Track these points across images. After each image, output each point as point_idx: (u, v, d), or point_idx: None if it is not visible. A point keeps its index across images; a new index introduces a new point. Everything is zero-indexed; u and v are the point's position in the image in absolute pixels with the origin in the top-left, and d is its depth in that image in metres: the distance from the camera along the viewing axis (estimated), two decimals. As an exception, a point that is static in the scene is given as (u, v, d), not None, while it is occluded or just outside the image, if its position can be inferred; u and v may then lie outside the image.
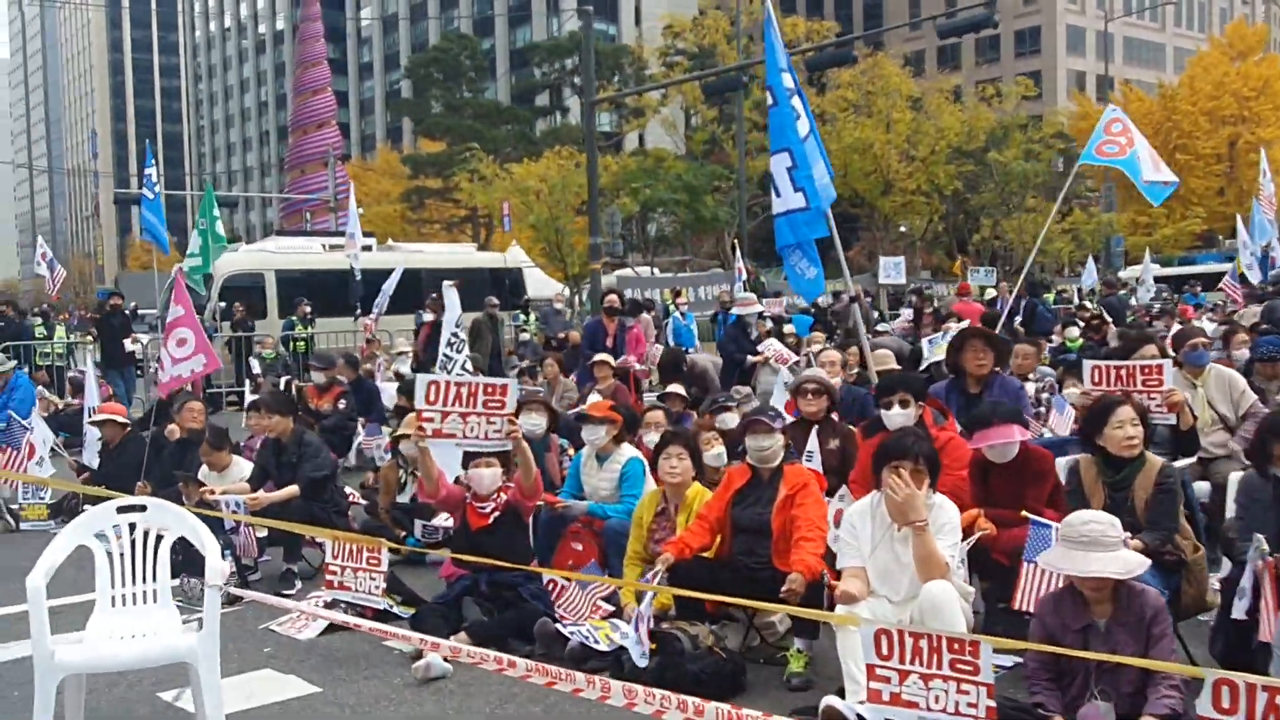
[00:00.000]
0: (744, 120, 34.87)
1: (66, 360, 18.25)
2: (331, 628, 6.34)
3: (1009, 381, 7.27)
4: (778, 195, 7.43)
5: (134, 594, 4.96)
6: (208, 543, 4.91)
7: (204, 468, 8.31)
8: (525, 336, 21.57)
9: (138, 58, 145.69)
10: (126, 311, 18.28)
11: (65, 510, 9.60)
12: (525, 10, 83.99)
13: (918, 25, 39.66)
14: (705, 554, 5.71)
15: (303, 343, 19.90)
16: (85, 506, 9.47)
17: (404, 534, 7.97)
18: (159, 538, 5.02)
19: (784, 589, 5.08)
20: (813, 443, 6.72)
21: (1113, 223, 47.74)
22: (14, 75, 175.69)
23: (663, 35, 44.90)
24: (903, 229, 50.85)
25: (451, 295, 6.55)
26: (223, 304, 21.43)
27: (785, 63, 7.28)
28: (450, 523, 7.89)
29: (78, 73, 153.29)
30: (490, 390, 5.93)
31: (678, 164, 38.83)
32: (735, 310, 12.28)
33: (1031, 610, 4.84)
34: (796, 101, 7.16)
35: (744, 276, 26.28)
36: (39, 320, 18.60)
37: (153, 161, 18.31)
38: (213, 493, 7.40)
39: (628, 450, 7.01)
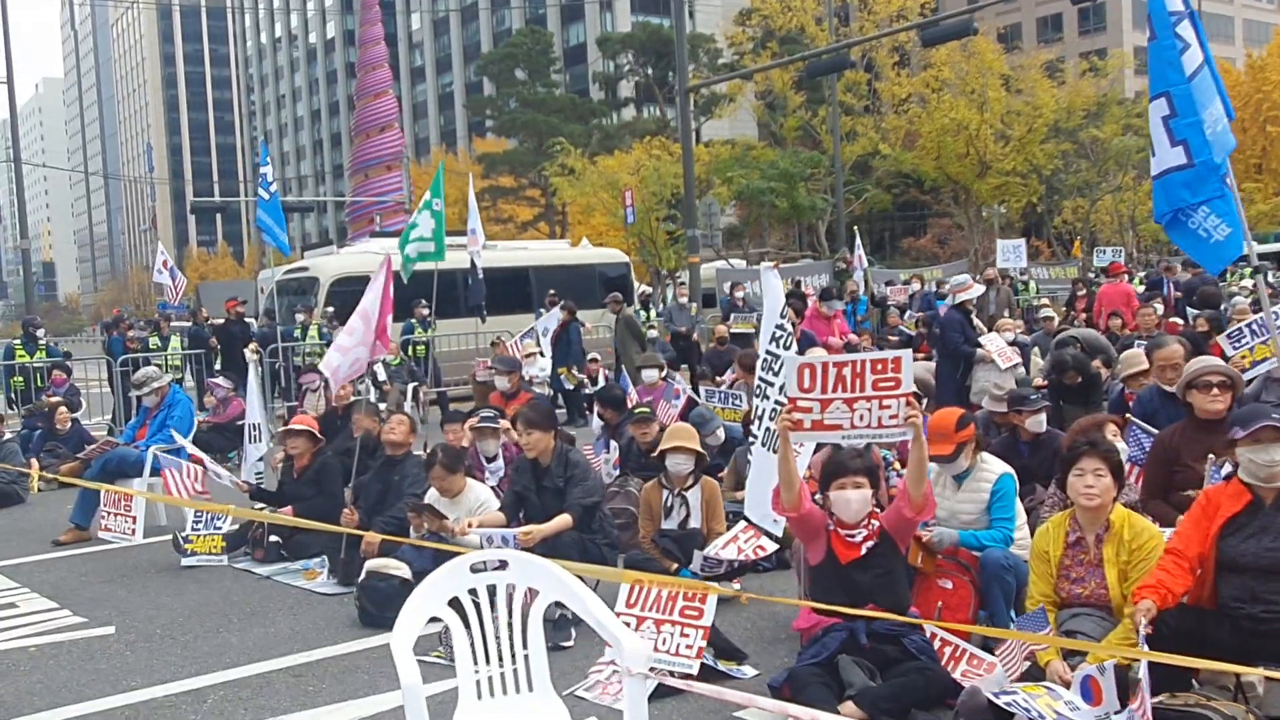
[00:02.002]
0: (838, 104, 33.46)
1: (183, 373, 17.26)
2: (658, 691, 5.11)
3: None
4: (1154, 155, 6.00)
5: (503, 678, 3.76)
6: (599, 613, 3.69)
7: (431, 493, 7.15)
8: (653, 334, 20.32)
9: (190, 71, 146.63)
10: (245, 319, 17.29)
11: (252, 542, 8.46)
12: (578, 7, 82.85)
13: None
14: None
15: (422, 347, 18.79)
16: (274, 538, 8.39)
17: (675, 566, 6.74)
18: (526, 602, 3.82)
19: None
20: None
21: (1213, 201, 45.72)
22: (69, 93, 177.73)
23: (737, 21, 43.47)
24: (983, 214, 49.20)
25: (771, 279, 5.26)
26: (330, 308, 20.41)
27: (1176, -24, 5.89)
28: (732, 553, 6.66)
29: (131, 88, 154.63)
30: (881, 367, 4.69)
31: (767, 152, 37.40)
32: (958, 295, 10.93)
33: None
34: (1185, 28, 5.77)
35: (865, 266, 25.00)
36: (150, 330, 17.61)
37: (268, 160, 17.32)
38: (468, 526, 6.20)
39: (995, 465, 5.72)
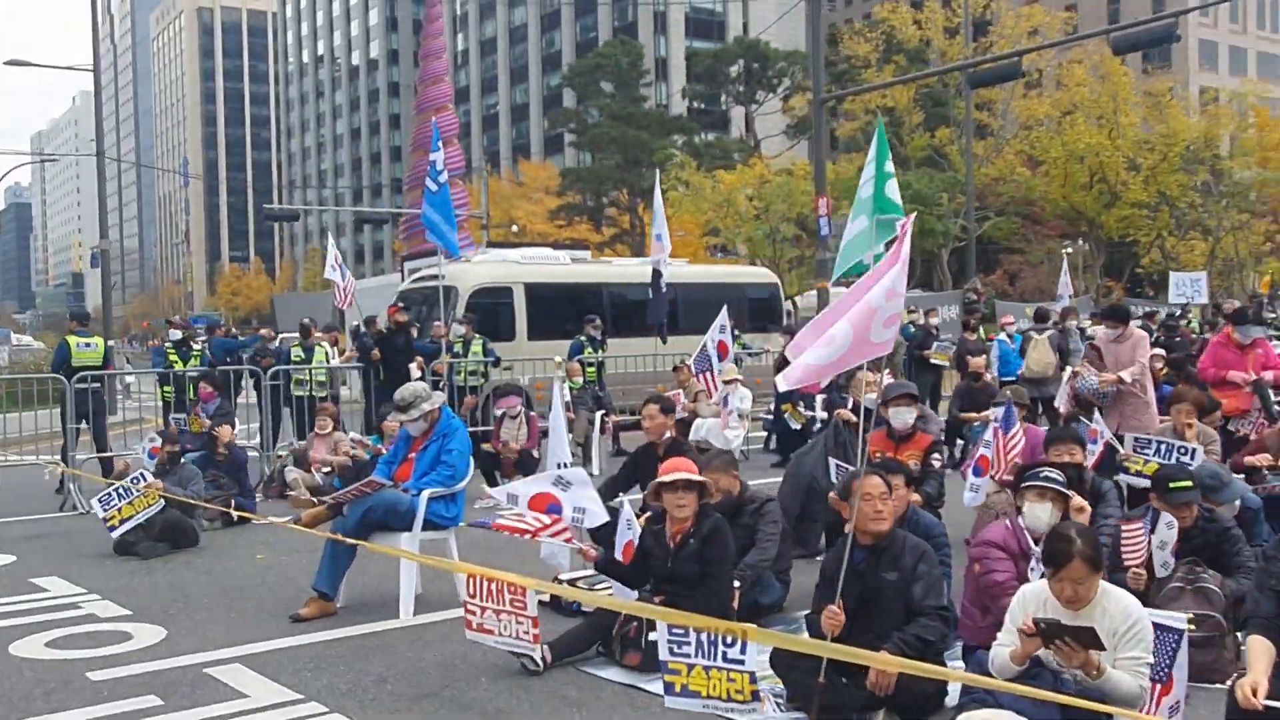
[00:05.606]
0: (971, 122, 30.91)
1: (327, 389, 14.66)
2: None
3: None
4: None
5: None
6: None
7: (1035, 593, 4.51)
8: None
9: (229, 86, 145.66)
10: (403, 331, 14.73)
11: (621, 641, 5.80)
12: (630, 29, 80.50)
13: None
14: None
15: (592, 369, 16.21)
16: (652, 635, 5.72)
17: None
18: None
19: None
20: None
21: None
22: (106, 105, 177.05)
23: (856, 33, 40.97)
24: (1066, 249, 46.54)
25: None
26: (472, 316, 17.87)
27: None
28: None
29: (169, 102, 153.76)
30: None
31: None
32: None
33: None
34: None
35: (1070, 293, 22.60)
36: (295, 339, 15.04)
37: (439, 145, 14.79)
38: (1251, 693, 3.54)
39: None
